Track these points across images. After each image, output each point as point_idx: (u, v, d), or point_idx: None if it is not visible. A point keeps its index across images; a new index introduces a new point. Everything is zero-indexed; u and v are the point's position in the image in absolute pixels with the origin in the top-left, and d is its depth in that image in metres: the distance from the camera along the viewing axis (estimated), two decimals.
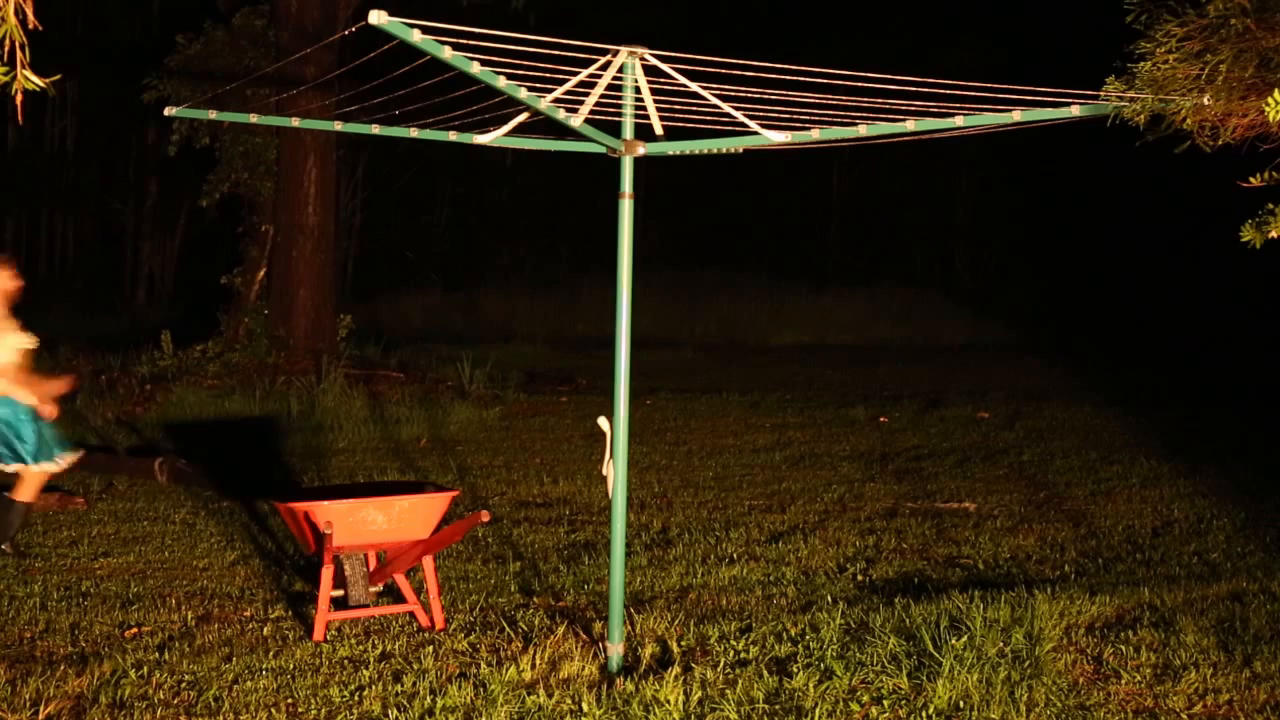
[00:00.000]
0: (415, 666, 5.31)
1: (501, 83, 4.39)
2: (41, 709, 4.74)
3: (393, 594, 6.35)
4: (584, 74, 4.70)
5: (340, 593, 6.00)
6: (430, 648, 5.59)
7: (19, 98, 3.52)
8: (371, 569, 6.13)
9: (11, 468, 7.41)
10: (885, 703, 4.78)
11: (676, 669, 5.07)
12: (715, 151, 5.51)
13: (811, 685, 4.91)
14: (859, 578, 6.97)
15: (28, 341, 7.41)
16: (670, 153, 5.45)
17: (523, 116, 5.20)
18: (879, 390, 15.28)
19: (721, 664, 5.21)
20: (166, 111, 5.90)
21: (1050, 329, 22.74)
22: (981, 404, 13.70)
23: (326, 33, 14.07)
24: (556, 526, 8.29)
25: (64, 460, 7.55)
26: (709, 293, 25.86)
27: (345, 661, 5.44)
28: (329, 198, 15.57)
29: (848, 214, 31.26)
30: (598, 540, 7.82)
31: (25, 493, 7.44)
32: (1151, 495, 9.15)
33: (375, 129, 5.76)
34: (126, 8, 30.04)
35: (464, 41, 4.11)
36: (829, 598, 6.36)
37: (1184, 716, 4.77)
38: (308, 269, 15.32)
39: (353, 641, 5.70)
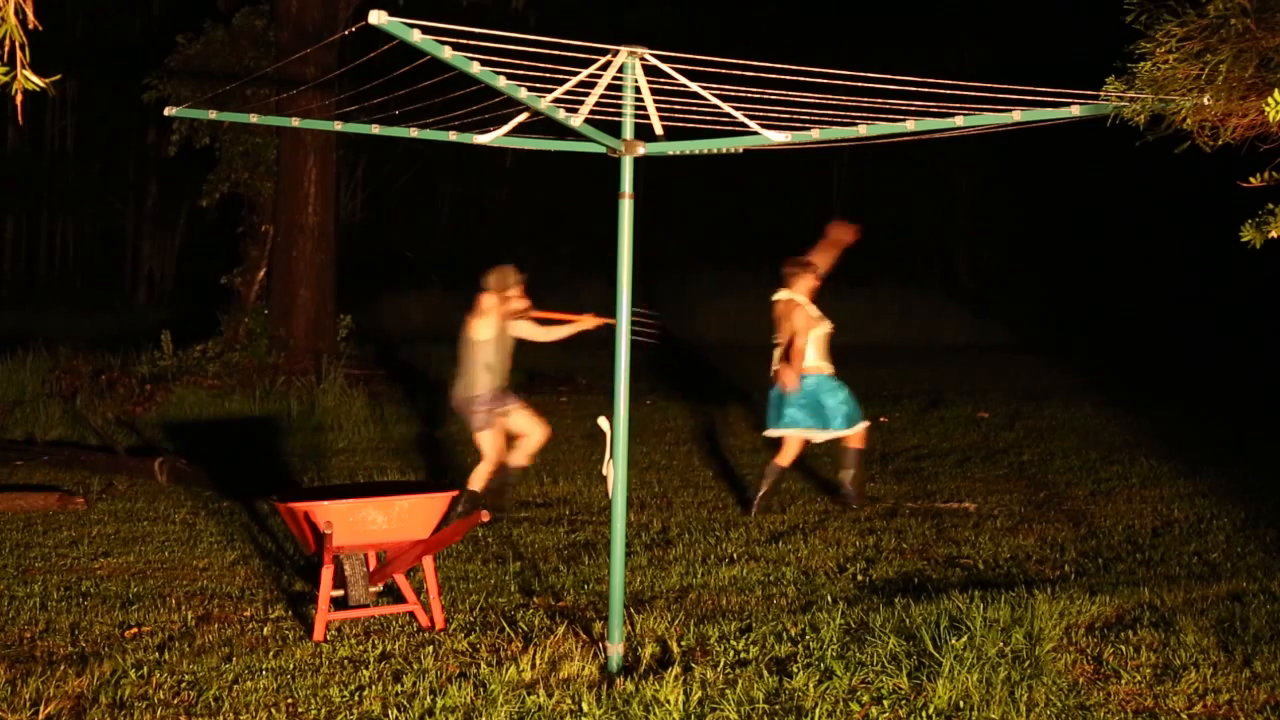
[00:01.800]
0: (415, 666, 5.31)
1: (501, 83, 4.39)
2: (41, 709, 4.74)
3: (393, 594, 6.35)
4: (584, 74, 4.70)
5: (340, 593, 6.00)
6: (430, 648, 5.59)
7: (19, 98, 3.52)
8: (371, 569, 6.13)
9: (820, 436, 8.68)
10: (885, 703, 4.78)
11: (676, 669, 5.07)
12: (715, 151, 5.51)
13: (811, 685, 4.91)
14: (859, 578, 6.97)
15: (827, 326, 8.64)
16: (670, 153, 5.45)
17: (523, 116, 5.20)
18: (879, 390, 15.27)
19: (721, 664, 5.21)
20: (166, 111, 5.89)
21: (1050, 329, 22.73)
22: (981, 404, 13.70)
23: (326, 33, 14.07)
24: (556, 526, 8.29)
25: (857, 428, 8.69)
26: (709, 293, 25.83)
27: (345, 661, 5.44)
28: (329, 198, 15.56)
29: (848, 214, 31.17)
30: (598, 540, 7.82)
31: (786, 457, 8.65)
32: (1151, 495, 9.15)
33: (375, 129, 5.76)
34: (126, 8, 30.04)
35: (464, 41, 4.11)
36: (829, 598, 6.36)
37: (1184, 716, 4.77)
38: (308, 269, 15.32)
39: (353, 641, 5.70)
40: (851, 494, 8.80)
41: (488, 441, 8.42)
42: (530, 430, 8.60)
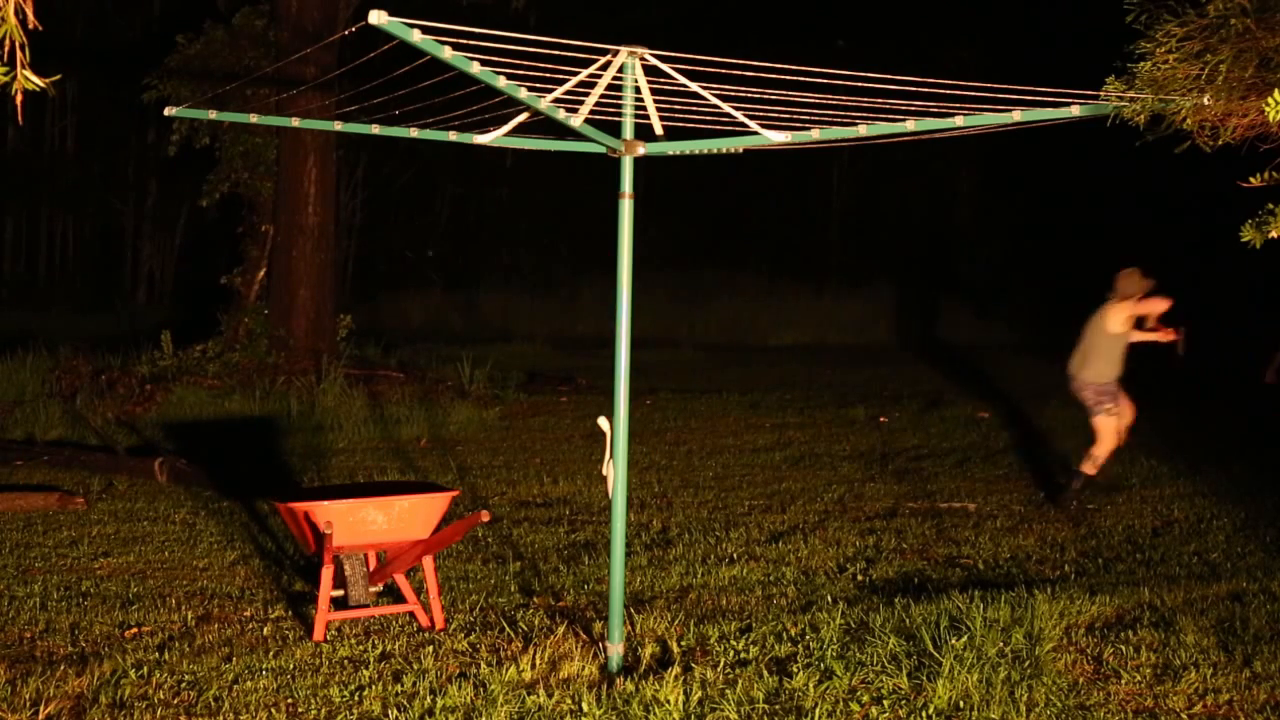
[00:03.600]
0: (415, 666, 5.31)
1: (501, 83, 4.39)
2: (41, 709, 4.74)
3: (393, 594, 6.35)
4: (584, 74, 4.70)
5: (340, 593, 6.00)
6: (430, 648, 5.59)
7: (19, 98, 3.51)
8: (371, 569, 6.14)
9: None
10: (885, 703, 4.78)
11: (676, 669, 5.07)
12: (715, 151, 5.51)
13: (811, 685, 4.91)
14: (859, 578, 6.97)
15: None
16: (670, 153, 5.45)
17: (523, 116, 5.20)
18: (879, 390, 15.27)
19: (721, 664, 5.21)
20: (166, 111, 5.89)
21: (1051, 329, 22.70)
22: (981, 404, 13.70)
23: (326, 33, 14.07)
24: (556, 526, 8.29)
25: None
26: (709, 293, 25.84)
27: (345, 661, 5.44)
28: (329, 198, 15.56)
29: (848, 214, 31.22)
30: (598, 540, 7.82)
31: None
32: (1151, 495, 9.16)
33: (375, 129, 5.76)
34: (126, 8, 30.04)
35: (464, 41, 4.11)
36: (829, 598, 6.36)
37: (1184, 716, 4.77)
38: (308, 269, 15.32)
39: (353, 641, 5.70)
40: None
41: (1109, 427, 8.89)
42: (1108, 436, 8.92)
